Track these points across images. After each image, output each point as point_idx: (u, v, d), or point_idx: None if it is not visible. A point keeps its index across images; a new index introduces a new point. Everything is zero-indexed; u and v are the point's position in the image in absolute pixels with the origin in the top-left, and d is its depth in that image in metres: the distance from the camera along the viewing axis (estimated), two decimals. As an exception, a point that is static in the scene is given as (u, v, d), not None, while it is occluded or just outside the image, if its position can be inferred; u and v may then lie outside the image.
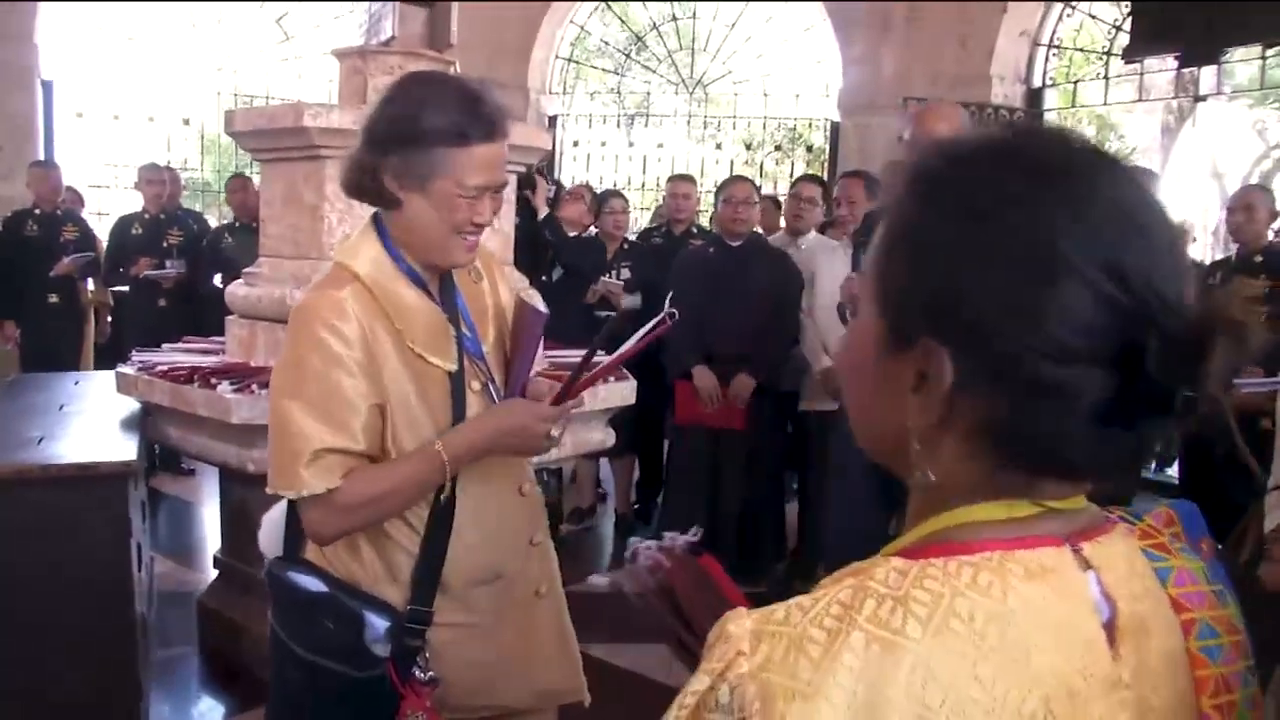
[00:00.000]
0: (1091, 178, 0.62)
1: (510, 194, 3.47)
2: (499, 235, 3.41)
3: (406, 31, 3.38)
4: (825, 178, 8.48)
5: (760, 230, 4.89)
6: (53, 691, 2.54)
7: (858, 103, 8.12)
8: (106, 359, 5.98)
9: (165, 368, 3.15)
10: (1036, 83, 7.62)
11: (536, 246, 4.65)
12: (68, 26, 7.99)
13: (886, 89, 7.84)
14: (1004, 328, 0.60)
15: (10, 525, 2.54)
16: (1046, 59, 7.62)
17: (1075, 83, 7.71)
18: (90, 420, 3.18)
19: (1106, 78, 7.37)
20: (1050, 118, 8.00)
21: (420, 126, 1.52)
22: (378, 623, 1.58)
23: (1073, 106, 8.21)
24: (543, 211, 4.66)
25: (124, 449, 2.77)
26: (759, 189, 4.92)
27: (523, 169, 3.57)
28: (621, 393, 3.38)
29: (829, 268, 4.26)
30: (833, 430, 4.04)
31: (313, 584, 1.59)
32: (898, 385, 0.66)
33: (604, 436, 3.50)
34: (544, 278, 4.69)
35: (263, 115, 3.34)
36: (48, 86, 7.53)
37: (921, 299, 0.64)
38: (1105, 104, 8.12)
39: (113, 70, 8.18)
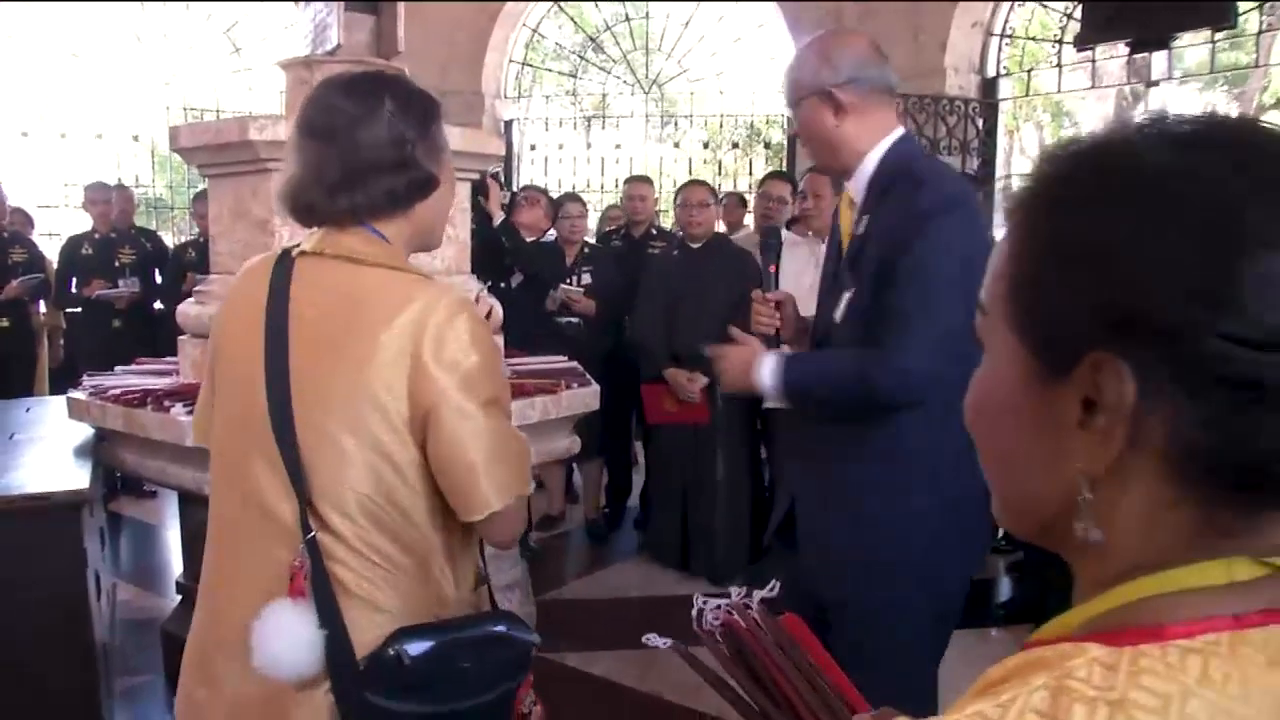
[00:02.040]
0: (1252, 145, 0.54)
1: (464, 201, 3.42)
2: (455, 243, 3.37)
3: (353, 40, 3.33)
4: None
5: (724, 228, 4.87)
6: (10, 729, 2.47)
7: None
8: (60, 382, 5.86)
9: (118, 391, 3.07)
10: (990, 72, 7.66)
11: (494, 253, 4.60)
12: (7, 44, 7.81)
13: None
14: (1196, 316, 0.49)
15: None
16: (1000, 48, 7.67)
17: (1029, 71, 7.75)
18: (43, 448, 3.10)
19: (1060, 65, 7.43)
20: (1005, 106, 8.06)
21: (434, 101, 1.52)
22: (525, 636, 1.48)
23: (1027, 95, 8.27)
24: (498, 217, 4.61)
25: (77, 477, 2.70)
26: (716, 190, 4.90)
27: (476, 176, 3.52)
28: (585, 399, 3.35)
29: (791, 263, 4.25)
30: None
31: (420, 646, 1.36)
32: (1056, 424, 0.55)
33: (569, 443, 3.46)
34: (502, 284, 4.65)
35: (208, 130, 3.27)
36: (-9, 107, 7.37)
37: (1085, 307, 0.54)
38: (1059, 91, 8.18)
39: (58, 88, 8.02)
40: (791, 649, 0.95)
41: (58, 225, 7.49)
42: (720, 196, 5.60)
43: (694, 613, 1.00)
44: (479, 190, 4.53)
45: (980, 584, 4.32)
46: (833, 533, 2.03)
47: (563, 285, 4.83)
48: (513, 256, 4.61)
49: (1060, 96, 10.19)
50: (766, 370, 1.91)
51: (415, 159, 1.45)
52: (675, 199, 4.80)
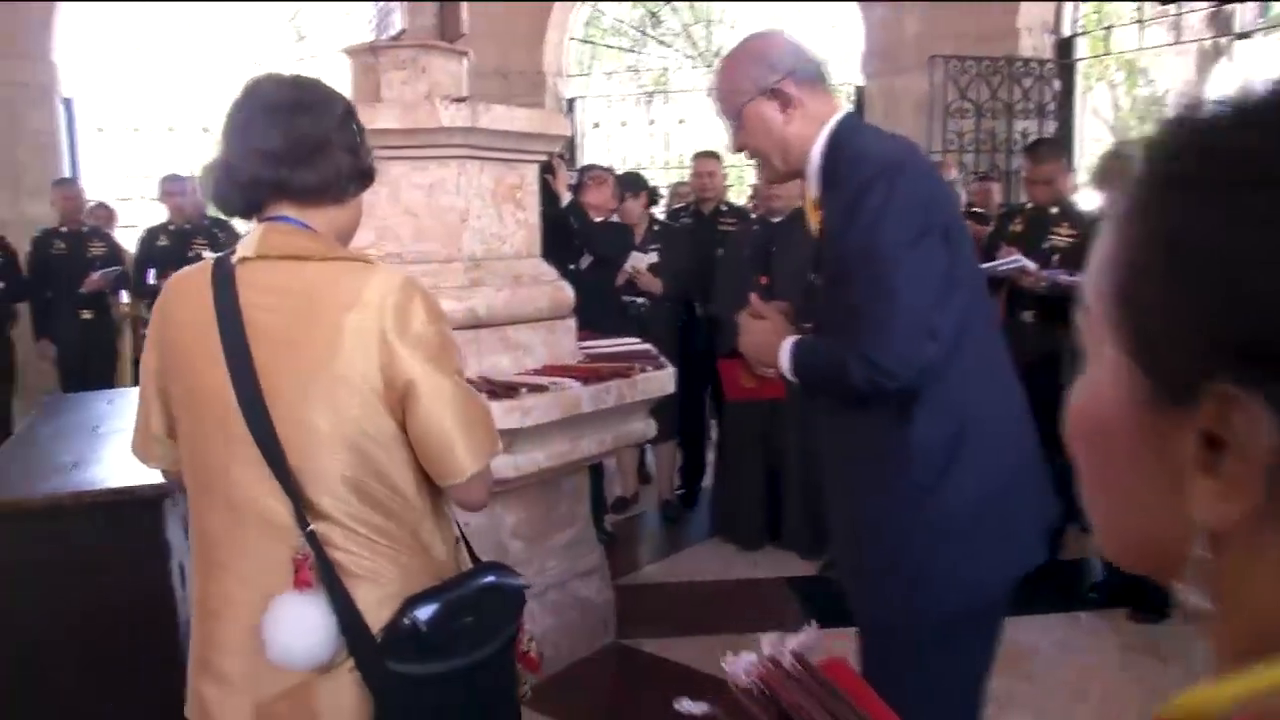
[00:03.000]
0: None
1: (532, 183, 3.37)
2: (524, 227, 3.33)
3: (417, 25, 3.29)
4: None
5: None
6: (98, 725, 2.51)
7: (882, 65, 7.94)
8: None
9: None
10: (1066, 32, 7.38)
11: (562, 234, 4.55)
12: (84, 42, 7.95)
13: (911, 49, 7.66)
14: None
15: (45, 557, 2.49)
16: (1076, 7, 7.38)
17: (1107, 29, 7.45)
18: (124, 440, 3.12)
19: (1141, 22, 7.12)
20: (1080, 67, 7.77)
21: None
22: (515, 581, 1.60)
23: (1106, 54, 7.96)
24: (565, 198, 4.55)
25: (157, 471, 2.71)
26: None
27: (544, 158, 3.47)
28: (660, 382, 3.29)
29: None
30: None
31: (427, 610, 1.44)
32: (1173, 459, 0.46)
33: (645, 427, 3.41)
34: (571, 266, 4.59)
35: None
36: (68, 104, 7.53)
37: (1208, 326, 0.44)
38: (1140, 49, 7.85)
39: (131, 83, 8.16)
40: (834, 701, 0.87)
41: (136, 218, 7.63)
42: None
43: (724, 664, 0.91)
44: (546, 171, 4.48)
45: (1068, 565, 4.17)
46: (839, 541, 1.93)
47: (635, 253, 4.77)
48: (581, 237, 4.55)
49: (1139, 54, 9.79)
50: (785, 350, 1.83)
51: (364, 146, 1.53)
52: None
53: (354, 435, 1.40)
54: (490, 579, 1.55)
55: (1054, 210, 4.27)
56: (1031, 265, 3.98)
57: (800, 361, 1.80)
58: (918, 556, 1.73)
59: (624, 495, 5.30)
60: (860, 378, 1.66)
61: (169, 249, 5.85)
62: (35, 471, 2.77)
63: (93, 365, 5.81)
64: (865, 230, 1.66)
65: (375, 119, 2.98)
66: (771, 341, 1.84)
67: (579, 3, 9.03)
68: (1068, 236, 4.21)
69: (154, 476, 2.65)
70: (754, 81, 1.81)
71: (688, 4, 9.21)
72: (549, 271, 3.41)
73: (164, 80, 8.32)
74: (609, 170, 5.21)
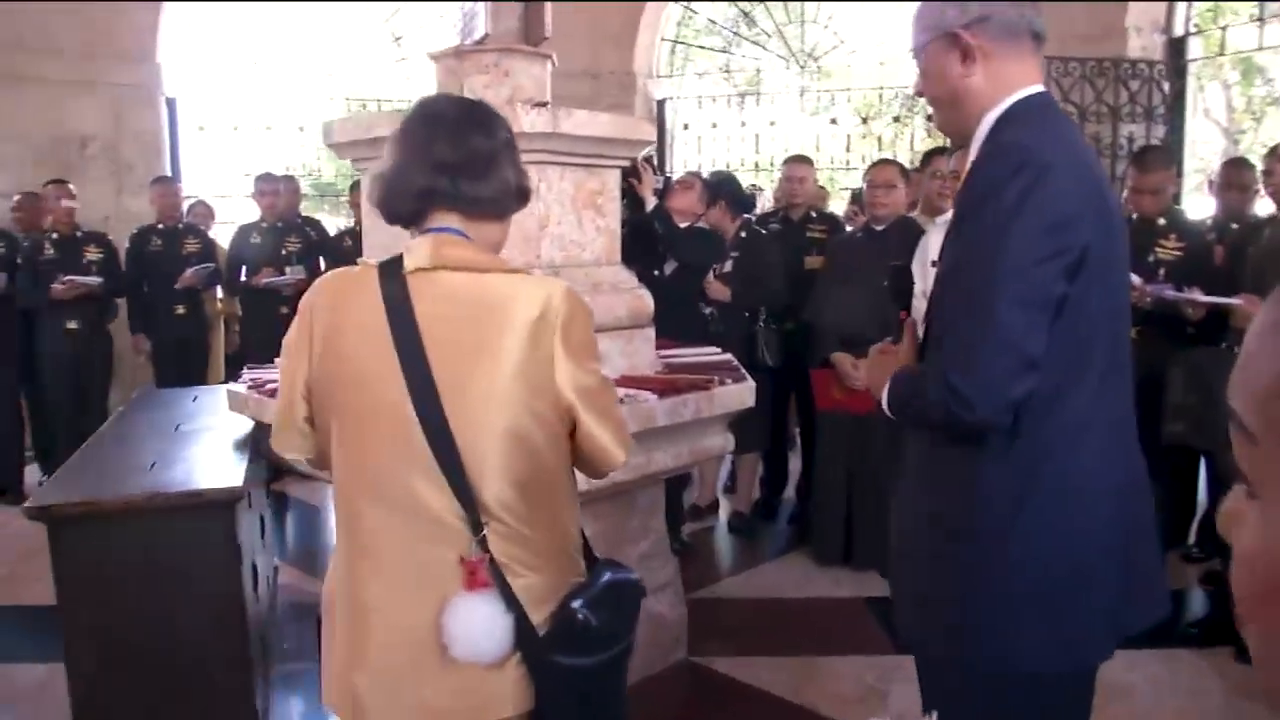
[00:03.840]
0: None
1: (613, 189, 3.31)
2: (605, 234, 3.26)
3: (501, 28, 3.25)
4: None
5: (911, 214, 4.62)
6: (169, 724, 2.53)
7: (981, 66, 7.67)
8: (236, 368, 6.12)
9: (273, 386, 3.11)
10: (1179, 31, 7.03)
11: (647, 240, 4.48)
12: (188, 44, 8.19)
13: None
14: None
15: (120, 557, 2.53)
16: (1189, 6, 7.03)
17: (1224, 28, 7.08)
18: (205, 440, 3.18)
19: (1261, 20, 6.75)
20: (1193, 67, 7.40)
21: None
22: (633, 577, 1.65)
23: (1221, 54, 7.57)
24: (650, 203, 4.48)
25: (232, 473, 2.73)
26: (905, 171, 4.65)
27: (626, 163, 3.40)
28: (739, 395, 3.19)
29: (935, 248, 3.97)
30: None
31: (588, 605, 1.53)
32: None
33: (723, 441, 3.32)
34: (655, 272, 4.52)
35: (359, 125, 3.27)
36: (171, 103, 7.74)
37: None
38: (1260, 48, 7.44)
39: (232, 83, 8.37)
40: None
41: (233, 215, 7.81)
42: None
43: None
44: (631, 175, 4.42)
45: (1170, 596, 3.94)
46: (901, 577, 1.76)
47: (714, 270, 4.69)
48: (665, 243, 4.48)
49: (1258, 54, 9.30)
50: (886, 384, 1.66)
51: (521, 165, 1.60)
52: (864, 178, 4.60)
53: (523, 435, 1.49)
54: (611, 575, 1.60)
55: (1161, 221, 4.05)
56: (1136, 280, 3.77)
57: (893, 393, 1.64)
58: (962, 607, 1.58)
59: (699, 504, 5.22)
60: (936, 402, 1.49)
61: (261, 247, 5.96)
62: (114, 470, 2.81)
63: (186, 360, 5.95)
64: (985, 234, 1.47)
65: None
66: (883, 376, 1.67)
67: (671, 2, 8.96)
68: (1175, 249, 3.99)
69: (228, 480, 2.69)
70: (939, 19, 1.62)
71: (782, 4, 9.05)
72: (629, 279, 3.34)
73: (263, 81, 8.51)
74: (696, 174, 5.13)
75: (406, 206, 1.55)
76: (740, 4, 9.32)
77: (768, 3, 9.18)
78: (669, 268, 4.58)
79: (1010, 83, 1.60)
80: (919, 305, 3.89)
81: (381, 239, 3.23)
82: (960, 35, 1.60)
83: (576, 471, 1.66)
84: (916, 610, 1.70)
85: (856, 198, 7.20)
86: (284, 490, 5.66)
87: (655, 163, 4.93)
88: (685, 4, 9.06)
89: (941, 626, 1.62)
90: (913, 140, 8.81)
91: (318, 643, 3.41)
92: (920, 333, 1.72)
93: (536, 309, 1.47)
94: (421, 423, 1.46)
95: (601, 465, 1.61)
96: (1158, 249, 4.00)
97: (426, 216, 1.54)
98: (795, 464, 5.35)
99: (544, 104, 3.06)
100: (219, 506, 2.59)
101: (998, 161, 1.52)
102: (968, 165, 1.66)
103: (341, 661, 1.58)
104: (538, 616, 1.51)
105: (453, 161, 1.50)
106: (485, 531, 1.48)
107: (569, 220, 3.14)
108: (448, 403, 1.46)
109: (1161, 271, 3.93)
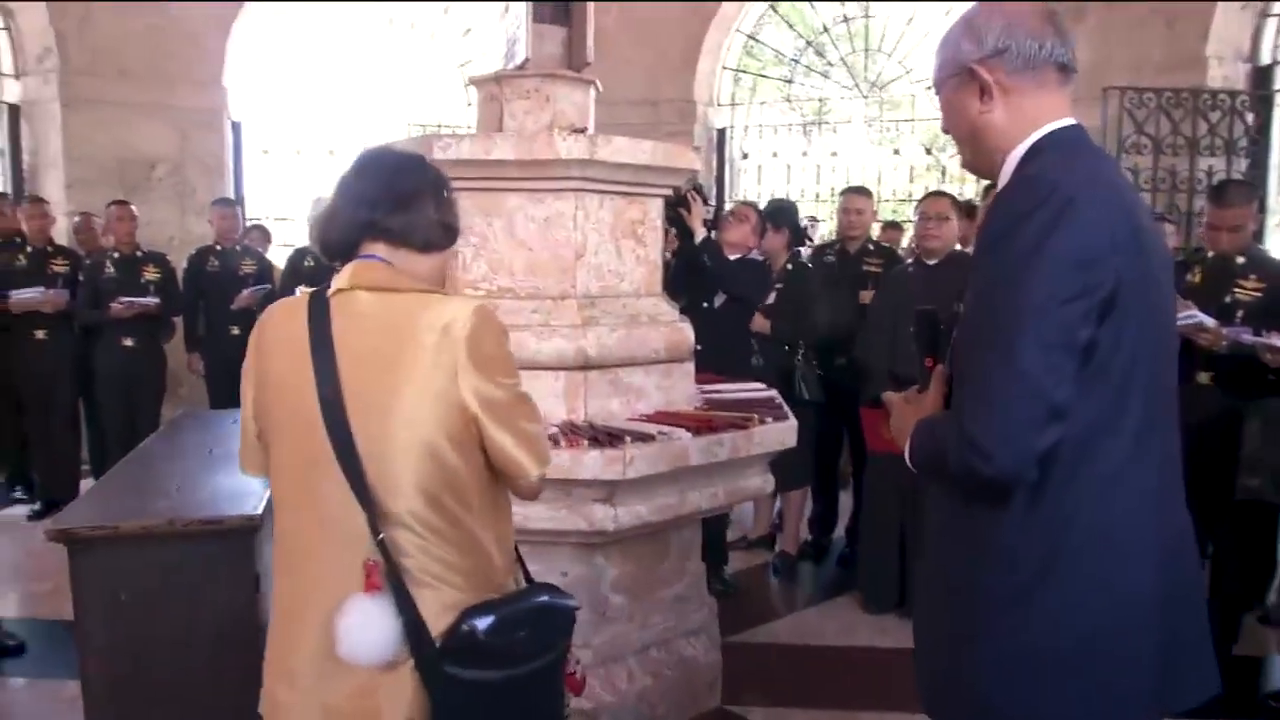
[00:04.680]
0: None
1: (654, 219, 3.21)
2: (644, 264, 3.17)
3: (543, 53, 3.19)
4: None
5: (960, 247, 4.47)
6: (182, 756, 2.47)
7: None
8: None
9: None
10: (1265, 59, 6.75)
11: (695, 271, 4.38)
12: (254, 69, 8.33)
13: (1082, 79, 7.13)
14: None
15: (137, 581, 2.48)
16: (1278, 32, 6.75)
17: (1312, 58, 6.78)
18: (233, 465, 3.13)
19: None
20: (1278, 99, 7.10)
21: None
22: (567, 603, 1.72)
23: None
24: (700, 233, 4.38)
25: (255, 500, 2.67)
26: (959, 203, 4.49)
27: (668, 192, 3.31)
28: (779, 435, 3.06)
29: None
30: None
31: (485, 620, 1.56)
32: None
33: (762, 482, 3.19)
34: (705, 304, 4.41)
35: (420, 146, 3.22)
36: (236, 127, 7.87)
37: None
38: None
39: (296, 107, 8.49)
40: None
41: (295, 238, 7.89)
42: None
43: None
44: (680, 204, 4.33)
45: (1243, 662, 3.69)
46: (922, 648, 1.64)
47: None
48: (713, 275, 4.36)
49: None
50: (909, 434, 1.55)
51: (450, 204, 1.72)
52: (916, 210, 4.45)
53: (431, 447, 1.54)
54: (544, 599, 1.67)
55: (1240, 260, 3.82)
56: (1210, 322, 3.55)
57: (914, 445, 1.53)
58: (985, 681, 1.45)
59: (749, 537, 5.07)
60: (954, 455, 1.37)
61: (316, 269, 5.98)
62: (139, 494, 2.78)
63: (238, 381, 5.97)
64: (1005, 271, 1.35)
65: (493, 149, 2.90)
66: (908, 426, 1.56)
67: (734, 31, 8.89)
68: (1254, 290, 3.75)
69: (249, 507, 2.63)
70: (955, 54, 1.54)
71: (847, 33, 8.93)
72: (668, 311, 3.24)
73: (327, 106, 8.61)
74: (752, 205, 5.02)
75: (338, 240, 1.67)
76: (804, 33, 9.22)
77: (831, 31, 9.06)
78: (718, 300, 4.47)
79: (1033, 117, 1.49)
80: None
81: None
82: (976, 71, 1.50)
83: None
84: (937, 684, 1.57)
85: (886, 227, 7.05)
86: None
87: (704, 192, 4.80)
88: (748, 34, 8.98)
89: (964, 703, 1.49)
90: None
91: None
92: (948, 380, 1.60)
93: (441, 324, 1.55)
94: (329, 432, 1.53)
95: (516, 477, 1.65)
96: (1236, 289, 3.77)
97: (357, 248, 1.65)
98: (846, 501, 5.17)
99: (581, 130, 2.99)
100: (238, 534, 2.53)
101: (1020, 194, 1.40)
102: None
103: (267, 672, 1.65)
104: (439, 627, 1.54)
105: (373, 197, 1.64)
106: (384, 536, 1.52)
107: (607, 249, 3.05)
108: (356, 415, 1.53)
109: (1239, 314, 3.70)
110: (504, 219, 2.98)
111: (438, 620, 1.54)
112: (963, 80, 1.53)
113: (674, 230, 4.48)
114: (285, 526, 1.64)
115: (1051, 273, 1.32)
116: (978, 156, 1.58)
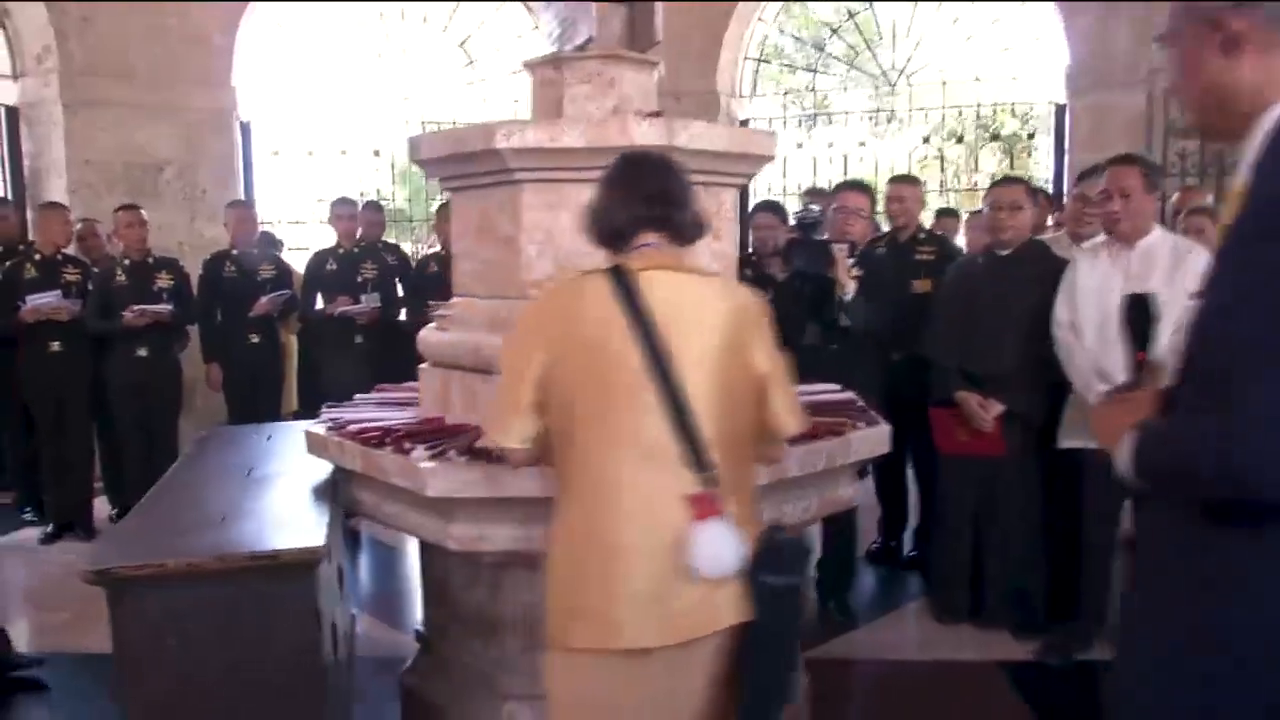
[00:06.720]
0: None
1: (731, 210, 2.96)
2: (720, 259, 2.91)
3: (605, 33, 2.94)
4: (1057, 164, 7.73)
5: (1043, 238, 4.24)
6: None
7: (1089, 80, 7.25)
8: (306, 394, 5.90)
9: (356, 428, 2.81)
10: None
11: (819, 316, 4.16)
12: (262, 69, 8.07)
13: (1122, 62, 6.97)
14: None
15: (186, 625, 2.22)
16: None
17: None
18: (280, 488, 2.88)
19: None
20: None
21: None
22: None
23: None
24: (850, 290, 4.12)
25: (313, 531, 2.42)
26: (1034, 189, 4.26)
27: (745, 181, 3.06)
28: (874, 442, 2.81)
29: (1091, 278, 3.56)
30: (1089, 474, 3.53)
31: (782, 539, 1.90)
32: None
33: (854, 492, 2.94)
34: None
35: (449, 139, 2.96)
36: (246, 128, 7.61)
37: None
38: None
39: (306, 107, 8.23)
40: None
41: (306, 240, 7.63)
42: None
43: None
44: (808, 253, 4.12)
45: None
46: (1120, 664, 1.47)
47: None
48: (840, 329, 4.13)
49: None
50: (1126, 442, 1.33)
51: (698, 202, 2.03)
52: (985, 199, 4.21)
53: (734, 399, 1.86)
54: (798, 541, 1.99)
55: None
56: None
57: (1143, 454, 1.30)
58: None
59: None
60: (1208, 466, 1.17)
61: (337, 273, 5.73)
62: (181, 524, 2.52)
63: (257, 391, 5.72)
64: (1277, 270, 1.15)
65: (560, 137, 2.64)
66: (1119, 427, 1.34)
67: (756, 20, 8.64)
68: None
69: (308, 539, 2.37)
70: (1194, 4, 1.34)
71: (870, 20, 8.68)
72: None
73: (337, 105, 8.35)
74: (774, 208, 4.82)
75: (620, 230, 1.92)
76: (825, 21, 8.97)
77: (855, 18, 8.82)
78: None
79: None
80: (1090, 334, 3.48)
81: (473, 265, 2.93)
82: (1223, 19, 1.29)
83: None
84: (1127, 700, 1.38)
85: (940, 214, 6.82)
86: (357, 529, 5.31)
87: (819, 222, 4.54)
88: (769, 22, 8.73)
89: None
90: (977, 162, 8.38)
91: (397, 710, 3.09)
92: (1165, 377, 1.38)
93: (735, 302, 1.91)
94: (659, 384, 1.78)
95: (779, 431, 1.97)
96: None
97: (633, 238, 1.91)
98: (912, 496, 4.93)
99: (658, 114, 2.74)
100: (297, 569, 2.27)
101: None
102: (1243, 172, 1.30)
103: (583, 600, 1.83)
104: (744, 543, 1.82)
105: (658, 193, 1.91)
106: (713, 470, 1.79)
107: (683, 244, 2.79)
108: (675, 371, 1.79)
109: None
110: (571, 212, 2.71)
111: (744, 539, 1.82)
112: (1204, 29, 1.31)
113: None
114: (606, 469, 1.82)
115: None
116: (1216, 118, 1.36)
